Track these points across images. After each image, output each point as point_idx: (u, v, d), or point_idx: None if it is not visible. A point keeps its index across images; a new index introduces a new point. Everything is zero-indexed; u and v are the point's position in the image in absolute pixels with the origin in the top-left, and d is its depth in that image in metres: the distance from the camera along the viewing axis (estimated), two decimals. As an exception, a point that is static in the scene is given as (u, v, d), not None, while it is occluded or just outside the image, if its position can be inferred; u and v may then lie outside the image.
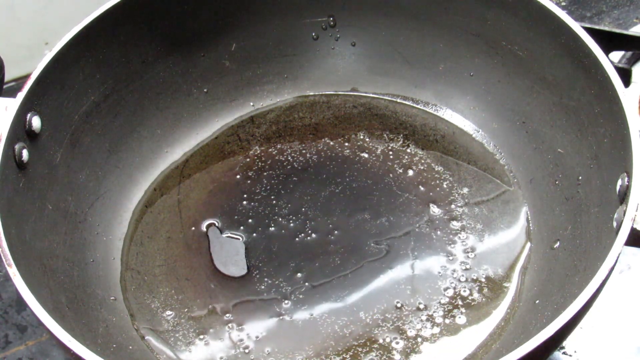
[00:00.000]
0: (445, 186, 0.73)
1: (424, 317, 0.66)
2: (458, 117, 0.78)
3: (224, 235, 0.72)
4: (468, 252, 0.69)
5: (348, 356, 0.64)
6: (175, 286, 0.69)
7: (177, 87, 0.79)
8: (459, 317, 0.66)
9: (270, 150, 0.78)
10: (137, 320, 0.67)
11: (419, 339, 0.64)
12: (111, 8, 0.71)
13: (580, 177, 0.67)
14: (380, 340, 0.65)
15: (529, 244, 0.69)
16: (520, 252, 0.69)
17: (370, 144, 0.77)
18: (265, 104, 0.81)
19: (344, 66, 0.81)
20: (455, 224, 0.71)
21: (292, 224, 0.72)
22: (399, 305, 0.66)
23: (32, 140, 0.65)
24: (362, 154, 0.76)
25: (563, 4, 0.98)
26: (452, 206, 0.72)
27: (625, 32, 0.77)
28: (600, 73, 0.63)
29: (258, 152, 0.77)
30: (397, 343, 0.64)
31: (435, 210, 0.72)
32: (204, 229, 0.72)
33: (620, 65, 0.79)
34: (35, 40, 0.92)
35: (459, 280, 0.68)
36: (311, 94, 0.82)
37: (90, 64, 0.71)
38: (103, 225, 0.72)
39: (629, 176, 0.57)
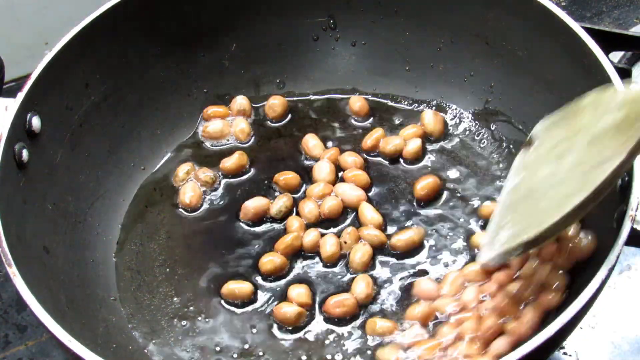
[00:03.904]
0: (445, 186, 0.73)
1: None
2: (458, 117, 0.78)
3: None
4: (468, 253, 0.69)
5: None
6: (174, 286, 0.69)
7: (177, 87, 0.79)
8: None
9: (270, 150, 0.77)
10: (137, 320, 0.67)
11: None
12: (111, 8, 0.71)
13: (580, 177, 0.67)
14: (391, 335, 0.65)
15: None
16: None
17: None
18: (265, 104, 0.81)
19: (344, 66, 0.81)
20: (456, 224, 0.71)
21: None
22: (399, 305, 0.66)
23: (32, 140, 0.65)
24: (362, 154, 0.76)
25: (563, 4, 0.98)
26: (453, 206, 0.72)
27: (625, 32, 0.77)
28: (600, 73, 0.63)
29: (258, 152, 0.77)
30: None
31: (435, 210, 0.72)
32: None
33: (620, 65, 0.79)
34: (35, 40, 0.92)
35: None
36: (311, 93, 0.82)
37: (90, 64, 0.71)
38: (103, 226, 0.72)
39: (629, 176, 0.57)
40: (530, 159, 0.60)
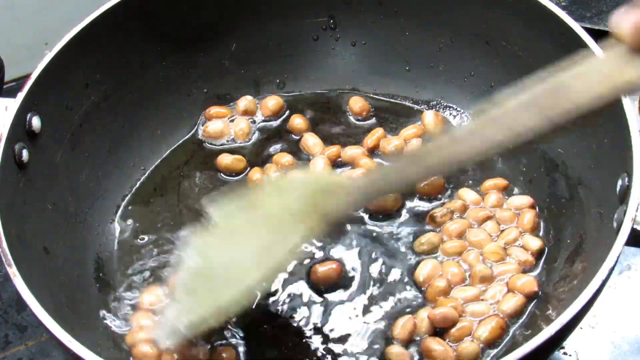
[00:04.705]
0: (445, 186, 0.73)
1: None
2: (458, 117, 0.78)
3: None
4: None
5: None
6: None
7: (177, 87, 0.79)
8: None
9: (270, 150, 0.77)
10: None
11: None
12: (111, 8, 0.71)
13: (580, 177, 0.67)
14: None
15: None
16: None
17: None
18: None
19: (344, 66, 0.81)
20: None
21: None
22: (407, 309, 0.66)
23: (32, 140, 0.65)
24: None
25: (563, 4, 0.98)
26: (453, 205, 0.72)
27: (625, 32, 0.76)
28: (600, 73, 0.63)
29: (258, 152, 0.77)
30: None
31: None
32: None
33: (620, 65, 0.79)
34: (35, 40, 0.92)
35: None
36: (311, 94, 0.82)
37: (90, 64, 0.71)
38: (103, 226, 0.72)
39: (629, 176, 0.57)
40: (208, 241, 0.61)
